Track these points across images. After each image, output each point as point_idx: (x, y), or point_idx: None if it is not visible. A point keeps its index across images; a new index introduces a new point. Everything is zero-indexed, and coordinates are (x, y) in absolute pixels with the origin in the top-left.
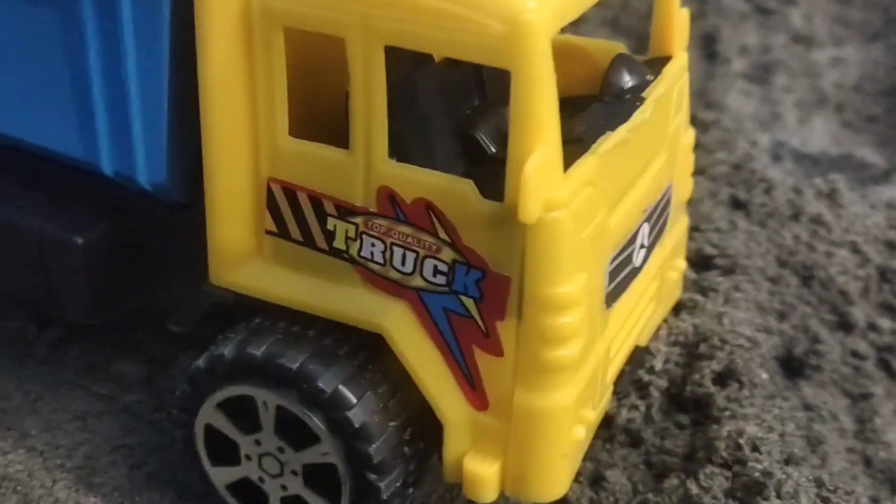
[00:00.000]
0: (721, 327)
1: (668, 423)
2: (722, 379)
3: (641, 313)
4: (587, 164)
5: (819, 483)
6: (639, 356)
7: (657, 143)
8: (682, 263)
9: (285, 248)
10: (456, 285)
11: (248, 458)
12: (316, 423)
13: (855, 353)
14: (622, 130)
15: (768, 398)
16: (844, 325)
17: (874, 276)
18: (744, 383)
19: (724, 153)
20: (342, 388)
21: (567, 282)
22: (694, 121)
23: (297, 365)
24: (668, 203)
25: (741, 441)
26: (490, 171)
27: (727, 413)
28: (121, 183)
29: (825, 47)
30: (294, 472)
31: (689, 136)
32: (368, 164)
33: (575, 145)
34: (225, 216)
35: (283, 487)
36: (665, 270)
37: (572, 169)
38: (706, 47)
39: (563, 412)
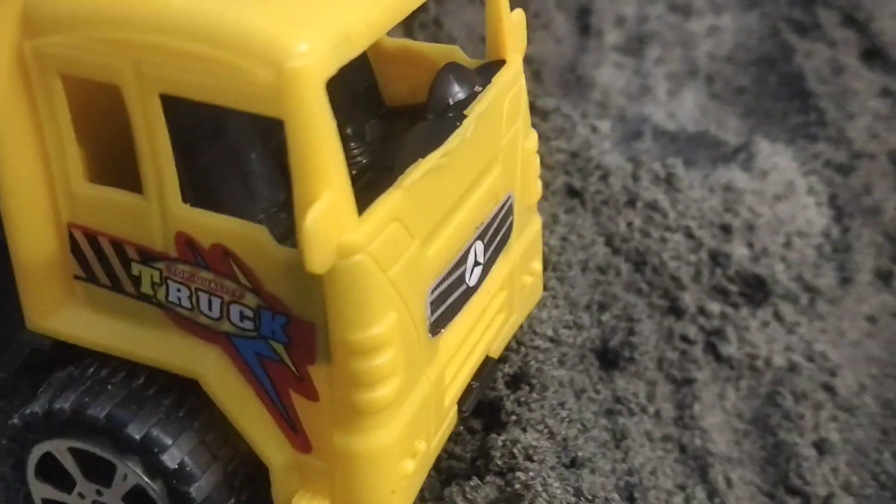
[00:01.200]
0: (519, 330)
1: (462, 427)
2: (514, 382)
3: (486, 328)
4: (390, 199)
5: (578, 493)
6: (490, 369)
7: (486, 158)
8: (537, 266)
9: (96, 293)
10: (263, 330)
11: None
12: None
13: (684, 338)
14: (433, 157)
15: (577, 395)
16: (675, 309)
17: (706, 261)
18: (534, 386)
19: (563, 141)
20: (186, 460)
21: (373, 325)
22: (533, 108)
23: (141, 435)
24: (508, 212)
25: (515, 450)
26: None
27: (514, 418)
28: None
29: (703, 16)
30: None
31: (531, 140)
32: (163, 209)
33: (384, 173)
34: (30, 262)
35: None
36: (516, 277)
37: (371, 208)
38: (580, 20)
39: (384, 452)
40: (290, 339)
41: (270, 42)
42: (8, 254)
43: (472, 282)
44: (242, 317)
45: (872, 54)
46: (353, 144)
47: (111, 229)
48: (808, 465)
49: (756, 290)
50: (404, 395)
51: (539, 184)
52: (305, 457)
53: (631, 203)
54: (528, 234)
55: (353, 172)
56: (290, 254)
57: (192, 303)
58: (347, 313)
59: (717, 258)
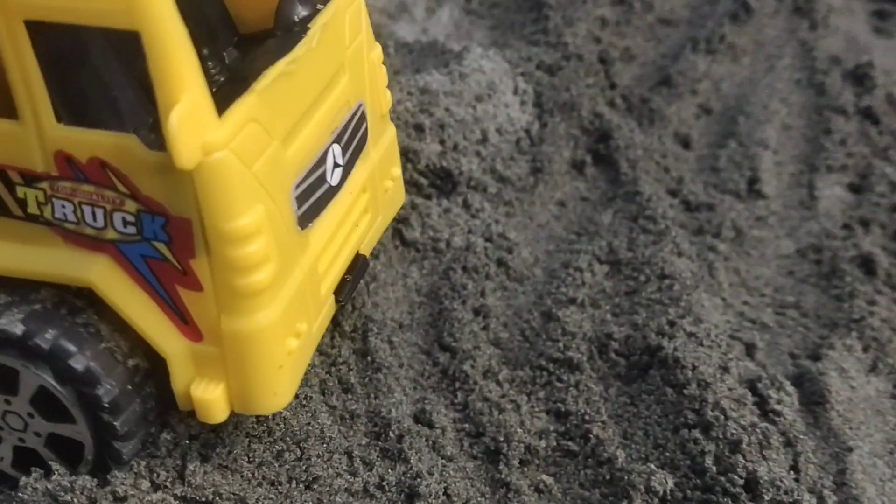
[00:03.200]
0: None
1: None
2: None
3: (354, 227)
4: (245, 102)
5: None
6: (362, 264)
7: (334, 66)
8: (397, 171)
9: None
10: (146, 233)
11: None
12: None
13: None
14: (281, 64)
15: None
16: None
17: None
18: None
19: None
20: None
21: (242, 215)
22: None
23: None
24: (361, 119)
25: None
26: None
27: None
28: None
29: None
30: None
31: (375, 52)
32: (40, 131)
33: (241, 84)
34: None
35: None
36: (378, 181)
37: (229, 110)
38: None
39: (267, 330)
40: (171, 237)
41: None
42: None
43: (333, 181)
44: (125, 223)
45: None
46: (210, 64)
47: None
48: (460, 325)
49: (445, 181)
50: (281, 281)
51: (388, 94)
52: (198, 345)
53: None
54: (384, 141)
55: (214, 90)
56: (161, 157)
57: (77, 216)
58: (218, 206)
59: (408, 155)
